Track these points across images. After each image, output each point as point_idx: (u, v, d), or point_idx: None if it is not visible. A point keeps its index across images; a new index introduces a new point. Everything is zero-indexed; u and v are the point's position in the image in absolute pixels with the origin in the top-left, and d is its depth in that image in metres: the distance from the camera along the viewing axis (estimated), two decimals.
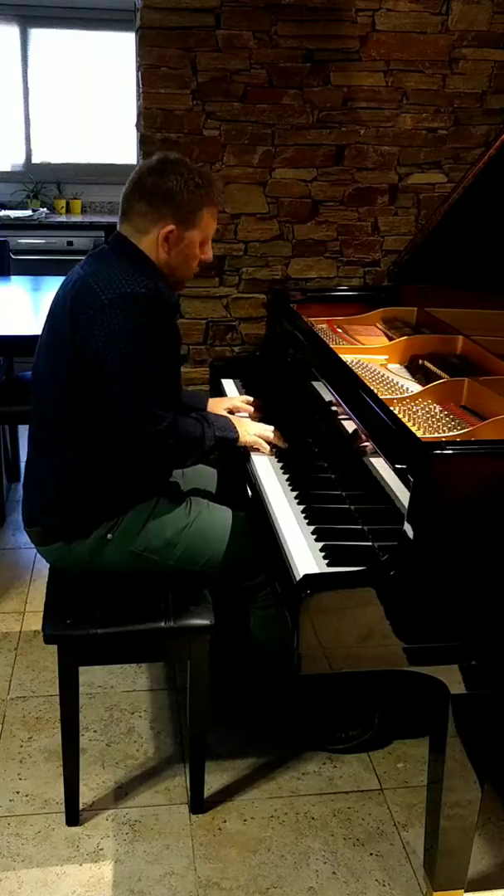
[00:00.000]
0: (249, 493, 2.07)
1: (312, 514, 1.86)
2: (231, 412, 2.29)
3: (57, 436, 1.96)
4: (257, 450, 2.14)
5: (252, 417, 2.32)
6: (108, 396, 1.85)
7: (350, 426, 1.89)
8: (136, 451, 1.91)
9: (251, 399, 2.39)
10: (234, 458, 2.20)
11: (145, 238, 1.93)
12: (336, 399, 1.97)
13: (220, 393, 2.71)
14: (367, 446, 1.78)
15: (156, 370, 1.87)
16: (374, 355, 2.37)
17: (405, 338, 2.43)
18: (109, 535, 1.97)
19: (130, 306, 1.81)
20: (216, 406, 2.34)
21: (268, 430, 2.17)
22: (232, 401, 2.38)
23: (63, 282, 2.00)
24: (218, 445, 2.04)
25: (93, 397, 1.87)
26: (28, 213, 5.19)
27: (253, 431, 2.15)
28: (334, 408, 2.03)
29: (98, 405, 1.87)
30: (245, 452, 2.16)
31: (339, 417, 1.98)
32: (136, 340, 1.82)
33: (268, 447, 2.15)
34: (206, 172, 1.99)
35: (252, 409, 2.35)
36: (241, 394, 2.65)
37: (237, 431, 2.10)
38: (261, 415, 2.35)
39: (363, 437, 1.78)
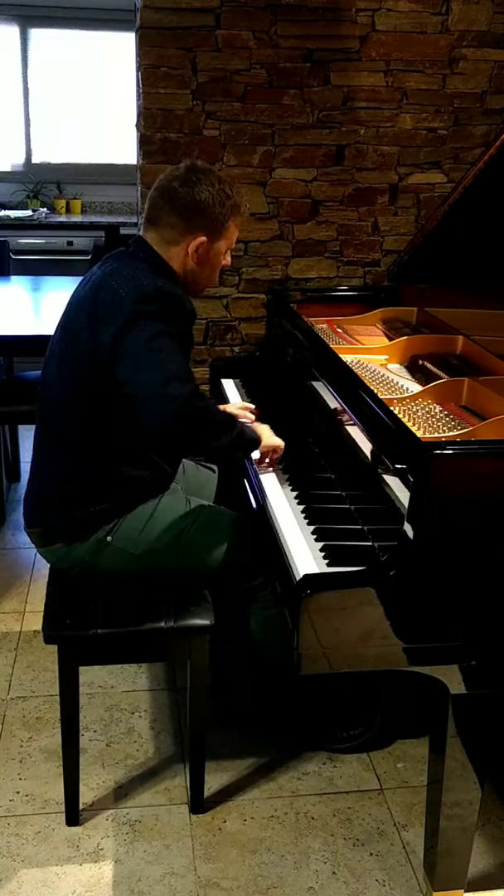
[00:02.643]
0: (249, 493, 2.07)
1: (312, 514, 1.86)
2: None
3: (62, 437, 1.96)
4: (266, 457, 2.10)
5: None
6: (126, 372, 1.77)
7: (350, 426, 1.89)
8: (162, 417, 1.74)
9: (252, 407, 2.37)
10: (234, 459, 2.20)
11: (173, 248, 1.93)
12: (336, 399, 1.97)
13: (220, 393, 2.71)
14: (366, 446, 1.78)
15: (171, 347, 1.79)
16: (374, 355, 2.37)
17: (405, 338, 2.43)
18: (109, 538, 1.97)
19: (147, 293, 1.81)
20: None
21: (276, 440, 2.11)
22: (234, 407, 2.37)
23: (80, 282, 2.00)
24: (245, 444, 1.98)
25: (103, 397, 1.86)
26: (28, 213, 5.19)
27: (272, 436, 2.09)
28: (334, 408, 2.03)
29: (107, 406, 1.86)
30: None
31: (339, 417, 1.98)
32: (153, 322, 1.79)
33: (283, 446, 2.09)
34: (230, 182, 1.98)
35: (252, 417, 2.33)
36: (241, 393, 2.65)
37: (259, 435, 2.04)
38: (261, 417, 2.34)
39: (363, 436, 1.79)
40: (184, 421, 1.76)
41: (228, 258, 2.03)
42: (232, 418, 1.97)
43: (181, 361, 1.83)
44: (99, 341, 1.83)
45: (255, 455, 2.10)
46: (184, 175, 1.93)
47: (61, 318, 2.00)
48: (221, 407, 2.32)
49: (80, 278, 2.05)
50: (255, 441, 2.02)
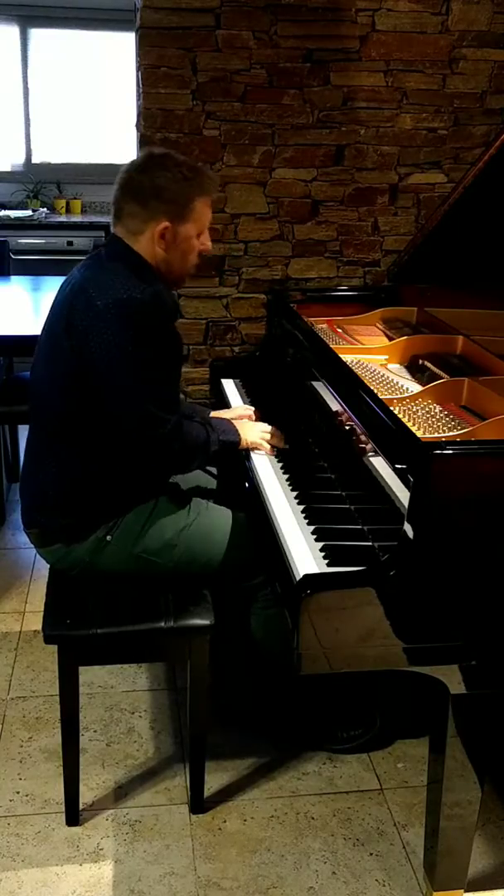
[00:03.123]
0: (249, 493, 2.07)
1: (312, 514, 1.86)
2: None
3: (55, 437, 1.96)
4: (258, 450, 2.17)
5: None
6: (109, 404, 1.85)
7: (350, 426, 1.89)
8: (142, 456, 1.92)
9: (252, 410, 2.37)
10: (234, 457, 2.21)
11: (141, 238, 1.92)
12: (336, 399, 1.97)
13: (220, 393, 2.71)
14: (366, 446, 1.78)
15: (154, 375, 1.85)
16: (374, 355, 2.37)
17: (405, 338, 2.43)
18: (108, 537, 1.97)
19: (125, 312, 1.81)
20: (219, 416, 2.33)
21: (268, 431, 2.18)
22: (235, 411, 2.37)
23: (61, 285, 1.99)
24: (221, 449, 2.06)
25: (90, 400, 1.86)
26: (28, 213, 5.19)
27: (254, 433, 2.16)
28: (334, 408, 2.03)
29: (96, 408, 1.87)
30: (245, 452, 2.16)
31: (339, 417, 1.98)
32: (132, 346, 1.81)
33: (269, 447, 2.17)
34: (193, 163, 1.97)
35: (253, 417, 2.34)
36: (240, 393, 2.65)
37: (238, 434, 2.11)
38: (261, 417, 2.34)
39: (363, 436, 1.78)
40: (161, 458, 1.95)
41: (207, 243, 2.00)
42: (205, 436, 2.01)
43: (161, 394, 1.89)
44: (80, 354, 1.84)
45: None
46: (140, 163, 1.93)
47: (45, 322, 2.00)
48: (213, 414, 2.32)
49: None
50: (234, 443, 2.11)
